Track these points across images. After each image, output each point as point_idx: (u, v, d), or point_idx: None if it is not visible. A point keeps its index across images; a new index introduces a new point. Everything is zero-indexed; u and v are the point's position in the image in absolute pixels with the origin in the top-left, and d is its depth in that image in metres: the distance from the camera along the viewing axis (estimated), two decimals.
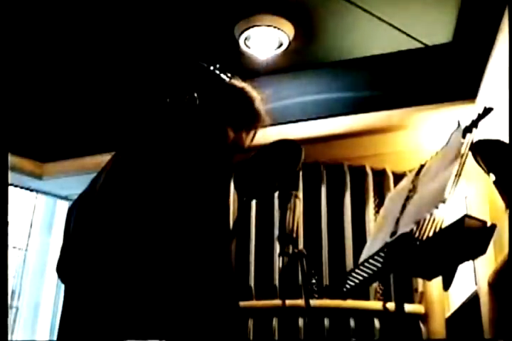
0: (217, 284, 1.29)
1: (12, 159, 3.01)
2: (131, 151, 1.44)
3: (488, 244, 1.28)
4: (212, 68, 1.54)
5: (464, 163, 1.33)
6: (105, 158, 1.49)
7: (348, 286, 1.62)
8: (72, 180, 3.30)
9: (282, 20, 2.74)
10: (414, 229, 1.34)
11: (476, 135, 1.39)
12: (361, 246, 1.71)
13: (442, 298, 2.74)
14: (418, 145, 2.79)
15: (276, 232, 1.68)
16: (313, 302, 1.63)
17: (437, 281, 1.69)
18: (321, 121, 2.92)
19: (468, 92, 2.59)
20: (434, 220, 1.30)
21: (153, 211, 1.29)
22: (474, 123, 1.40)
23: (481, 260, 2.18)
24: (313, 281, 2.76)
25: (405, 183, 1.68)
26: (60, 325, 1.36)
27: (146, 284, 1.23)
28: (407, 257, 1.37)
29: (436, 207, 1.27)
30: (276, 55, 2.94)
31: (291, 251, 1.57)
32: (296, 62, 3.02)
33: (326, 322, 2.68)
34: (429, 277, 1.46)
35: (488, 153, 1.70)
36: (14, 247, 3.53)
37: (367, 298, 2.71)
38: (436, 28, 2.73)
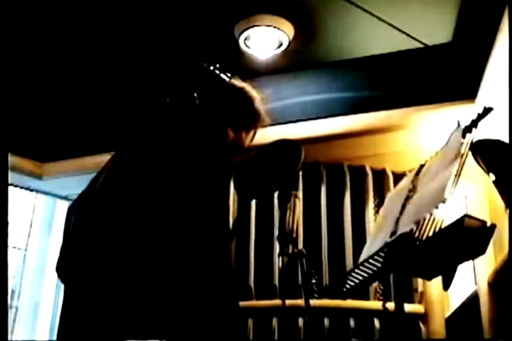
0: (217, 284, 1.29)
1: (12, 159, 3.01)
2: (131, 151, 1.44)
3: (487, 244, 1.28)
4: (212, 68, 1.54)
5: (463, 163, 1.33)
6: (105, 158, 1.49)
7: (347, 286, 1.62)
8: (72, 180, 3.30)
9: (282, 20, 2.74)
10: (414, 229, 1.34)
11: (476, 135, 1.39)
12: (361, 246, 1.71)
13: (442, 298, 2.74)
14: (418, 145, 2.79)
15: (276, 232, 1.68)
16: (313, 302, 1.63)
17: (437, 281, 1.69)
18: (321, 121, 2.92)
19: (468, 92, 2.60)
20: (433, 220, 1.30)
21: (153, 211, 1.29)
22: (474, 123, 1.40)
23: (480, 260, 2.18)
24: (313, 281, 2.76)
25: (405, 183, 1.68)
26: (60, 325, 1.36)
27: (146, 284, 1.23)
28: (406, 257, 1.37)
29: (436, 207, 1.27)
30: (276, 55, 2.94)
31: (290, 250, 1.57)
32: (296, 62, 3.02)
33: (326, 322, 2.68)
34: (428, 277, 1.46)
35: (488, 153, 1.70)
36: (14, 247, 3.53)
37: (367, 298, 2.71)
38: (436, 28, 2.73)
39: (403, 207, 1.51)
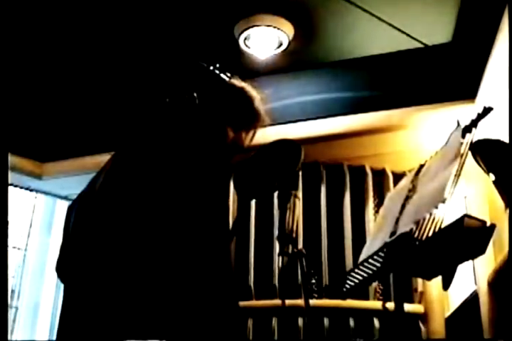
0: (217, 284, 1.29)
1: (12, 159, 3.01)
2: (131, 151, 1.44)
3: (487, 244, 1.28)
4: (211, 68, 1.54)
5: (463, 163, 1.33)
6: (105, 157, 1.49)
7: (347, 286, 1.62)
8: (72, 179, 3.30)
9: (282, 20, 2.74)
10: (414, 228, 1.34)
11: (475, 135, 1.39)
12: (361, 246, 1.71)
13: (442, 298, 2.74)
14: (418, 145, 2.79)
15: (276, 232, 1.68)
16: (312, 302, 1.63)
17: (437, 281, 1.69)
18: (321, 121, 2.92)
19: (468, 92, 2.60)
20: (433, 220, 1.30)
21: (153, 211, 1.29)
22: (474, 123, 1.40)
23: (480, 260, 2.18)
24: (313, 281, 2.76)
25: (405, 183, 1.68)
26: (60, 325, 1.36)
27: (146, 284, 1.23)
28: (406, 257, 1.37)
29: (436, 207, 1.27)
30: (275, 54, 2.94)
31: (290, 250, 1.57)
32: (295, 62, 3.02)
33: (326, 321, 2.68)
34: (428, 277, 1.46)
35: (487, 153, 1.70)
36: (14, 247, 3.53)
37: (366, 298, 2.72)
38: (436, 28, 2.73)
39: (403, 207, 1.51)
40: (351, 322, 2.67)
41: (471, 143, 1.38)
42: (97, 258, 1.28)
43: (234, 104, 1.52)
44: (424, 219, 1.32)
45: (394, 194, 1.77)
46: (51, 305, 3.54)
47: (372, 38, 2.83)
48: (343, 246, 2.84)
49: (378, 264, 1.46)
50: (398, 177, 2.83)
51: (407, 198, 1.53)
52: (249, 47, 2.88)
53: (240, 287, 2.79)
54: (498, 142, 1.75)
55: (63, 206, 3.65)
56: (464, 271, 2.33)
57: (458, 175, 1.30)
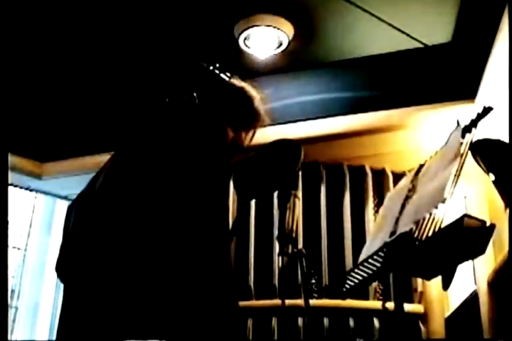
0: (217, 284, 1.29)
1: (12, 159, 3.01)
2: (131, 151, 1.44)
3: (487, 244, 1.28)
4: (211, 68, 1.54)
5: (463, 163, 1.33)
6: (105, 157, 1.49)
7: (347, 286, 1.62)
8: (72, 179, 3.30)
9: (282, 20, 2.74)
10: (414, 228, 1.34)
11: (475, 135, 1.39)
12: (360, 246, 1.71)
13: (442, 298, 2.74)
14: (417, 145, 2.79)
15: (276, 232, 1.68)
16: (312, 301, 1.63)
17: (437, 281, 1.69)
18: (321, 121, 2.92)
19: (468, 92, 2.60)
20: (433, 220, 1.30)
21: (153, 211, 1.29)
22: (474, 123, 1.40)
23: (480, 260, 2.18)
24: (313, 281, 2.76)
25: (405, 183, 1.68)
26: (59, 325, 1.36)
27: (146, 284, 1.23)
28: (406, 257, 1.37)
29: (436, 207, 1.27)
30: (275, 54, 2.94)
31: (290, 250, 1.57)
32: (295, 62, 3.02)
33: (326, 321, 2.68)
34: (428, 277, 1.46)
35: (487, 153, 1.70)
36: (14, 247, 3.52)
37: (366, 298, 2.72)
38: (435, 28, 2.73)
39: (403, 206, 1.51)
40: (351, 322, 2.67)
41: (471, 143, 1.38)
42: (97, 258, 1.28)
43: (234, 104, 1.52)
44: (424, 219, 1.32)
45: (394, 194, 1.77)
46: (51, 305, 3.54)
47: (372, 38, 2.83)
48: (343, 246, 2.84)
49: (378, 264, 1.46)
50: (398, 177, 2.83)
51: (407, 198, 1.53)
52: (249, 47, 2.88)
53: (240, 287, 2.79)
54: (498, 142, 1.75)
55: (63, 206, 3.65)
56: (464, 271, 2.33)
57: (458, 175, 1.30)
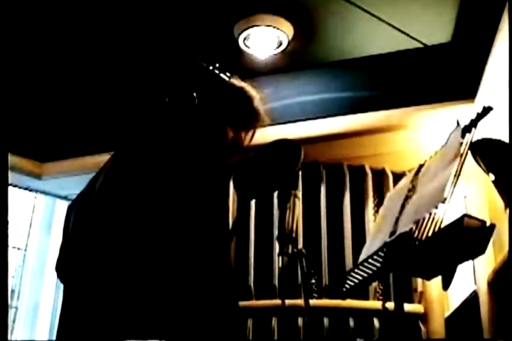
0: (217, 284, 1.29)
1: (11, 159, 3.00)
2: (130, 151, 1.44)
3: (487, 244, 1.28)
4: (211, 67, 1.54)
5: (463, 163, 1.33)
6: (104, 157, 1.49)
7: (347, 286, 1.62)
8: (72, 179, 3.30)
9: (282, 20, 2.74)
10: (414, 228, 1.34)
11: (475, 135, 1.39)
12: (360, 246, 1.71)
13: (442, 298, 2.74)
14: (417, 145, 2.79)
15: (276, 232, 1.68)
16: (312, 301, 1.63)
17: (437, 281, 1.69)
18: (321, 121, 2.92)
19: (468, 92, 2.60)
20: (433, 220, 1.30)
21: (153, 211, 1.29)
22: (473, 123, 1.40)
23: (480, 259, 2.18)
24: (313, 281, 2.75)
25: (404, 183, 1.68)
26: (59, 325, 1.36)
27: (146, 284, 1.23)
28: (406, 257, 1.37)
29: (436, 207, 1.27)
30: (275, 54, 2.94)
31: (290, 250, 1.57)
32: (295, 62, 3.02)
33: (326, 321, 2.68)
34: (428, 277, 1.46)
35: (487, 153, 1.70)
36: (13, 247, 3.53)
37: (366, 298, 2.72)
38: (435, 28, 2.73)
39: (403, 206, 1.51)
40: (351, 322, 2.68)
41: (471, 142, 1.38)
42: (97, 258, 1.28)
43: (233, 104, 1.52)
44: (423, 219, 1.32)
45: (393, 194, 1.77)
46: (51, 305, 3.54)
47: (372, 38, 2.83)
48: (343, 246, 2.84)
49: (378, 264, 1.46)
50: (398, 177, 2.83)
51: (407, 198, 1.53)
52: (248, 47, 2.88)
53: (240, 287, 2.79)
54: (497, 142, 1.75)
55: (63, 206, 3.65)
56: (464, 271, 2.33)
57: (457, 175, 1.30)
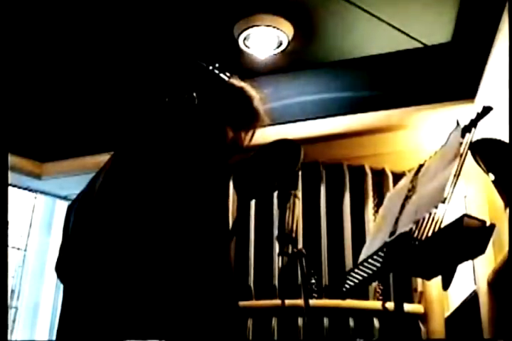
0: (217, 284, 1.29)
1: (11, 159, 3.01)
2: (130, 151, 1.44)
3: (487, 244, 1.28)
4: (211, 67, 1.54)
5: (462, 163, 1.33)
6: (104, 157, 1.49)
7: (347, 286, 1.62)
8: (72, 179, 3.30)
9: (282, 20, 2.74)
10: (414, 228, 1.34)
11: (475, 134, 1.39)
12: (360, 246, 1.71)
13: (441, 298, 2.74)
14: (417, 145, 2.79)
15: (276, 232, 1.68)
16: (312, 302, 1.63)
17: (436, 281, 1.69)
18: (321, 121, 2.92)
19: (468, 92, 2.60)
20: (433, 220, 1.30)
21: (153, 211, 1.29)
22: (473, 123, 1.40)
23: (480, 259, 2.18)
24: (313, 281, 2.76)
25: (404, 183, 1.68)
26: (59, 325, 1.36)
27: (146, 284, 1.23)
28: (406, 257, 1.37)
29: (436, 207, 1.27)
30: (275, 54, 2.94)
31: (290, 250, 1.57)
32: (295, 62, 3.02)
33: (326, 321, 2.68)
34: (428, 277, 1.46)
35: (487, 153, 1.70)
36: (13, 247, 3.52)
37: (366, 298, 2.72)
38: (435, 28, 2.73)
39: (402, 206, 1.51)
40: (351, 322, 2.68)
41: (471, 142, 1.38)
42: (97, 258, 1.28)
43: (233, 104, 1.52)
44: (423, 219, 1.32)
45: (393, 194, 1.77)
46: (51, 305, 3.54)
47: (371, 38, 2.83)
48: (343, 246, 2.84)
49: (378, 264, 1.47)
50: (398, 177, 2.83)
51: (407, 198, 1.53)
52: (248, 47, 2.88)
53: (240, 287, 2.79)
54: (497, 142, 1.75)
55: (63, 206, 3.65)
56: (464, 271, 2.33)
57: (457, 175, 1.30)
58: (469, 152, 1.41)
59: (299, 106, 2.99)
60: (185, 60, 1.60)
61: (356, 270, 1.56)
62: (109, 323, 1.22)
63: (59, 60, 3.06)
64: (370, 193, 2.98)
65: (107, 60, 3.07)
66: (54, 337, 1.36)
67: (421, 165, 1.62)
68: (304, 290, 1.61)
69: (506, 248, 1.85)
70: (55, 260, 1.39)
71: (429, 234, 1.30)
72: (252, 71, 2.92)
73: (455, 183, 1.29)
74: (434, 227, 1.29)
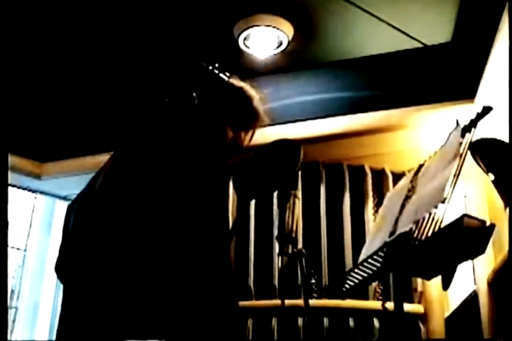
0: (217, 284, 1.29)
1: (11, 159, 3.01)
2: (130, 151, 1.44)
3: (487, 244, 1.28)
4: (211, 67, 1.54)
5: (462, 163, 1.33)
6: (104, 157, 1.49)
7: (347, 286, 1.62)
8: (72, 180, 3.30)
9: (281, 20, 2.74)
10: (413, 228, 1.34)
11: (475, 134, 1.39)
12: (360, 246, 1.71)
13: (441, 298, 2.74)
14: (417, 145, 2.79)
15: (276, 232, 1.68)
16: (312, 302, 1.63)
17: (436, 281, 1.69)
18: (320, 121, 2.92)
19: (467, 92, 2.60)
20: (433, 220, 1.30)
21: (152, 211, 1.29)
22: (473, 123, 1.40)
23: (480, 259, 2.18)
24: (313, 281, 2.76)
25: (404, 183, 1.68)
26: (59, 325, 1.36)
27: (146, 284, 1.23)
28: (406, 257, 1.37)
29: (435, 207, 1.27)
30: (275, 54, 2.94)
31: (290, 250, 1.57)
32: (295, 62, 3.02)
33: (326, 321, 2.68)
34: (428, 277, 1.46)
35: (487, 153, 1.70)
36: (13, 247, 3.52)
37: (366, 298, 2.72)
38: (435, 28, 2.73)
39: (402, 206, 1.51)
40: (351, 322, 2.67)
41: (471, 142, 1.38)
42: (97, 258, 1.28)
43: (233, 104, 1.52)
44: (423, 219, 1.32)
45: (393, 194, 1.77)
46: (51, 305, 3.54)
47: (371, 38, 2.83)
48: (343, 246, 2.84)
49: (378, 264, 1.47)
50: (398, 177, 2.83)
51: (407, 198, 1.53)
52: (248, 47, 2.88)
53: (240, 287, 2.79)
54: (497, 142, 1.75)
55: (63, 206, 3.65)
56: (464, 270, 2.33)
57: (457, 175, 1.30)
58: (469, 152, 1.41)
59: (298, 106, 2.99)
60: (185, 60, 1.60)
61: (356, 270, 1.56)
62: (109, 323, 1.22)
63: (59, 60, 3.06)
64: (370, 193, 2.98)
65: (106, 60, 3.07)
66: (54, 337, 1.36)
67: (421, 165, 1.62)
68: (304, 290, 1.61)
69: (506, 248, 1.85)
70: (55, 260, 1.39)
71: (429, 234, 1.30)
72: (251, 71, 2.92)
73: (455, 183, 1.29)
74: (434, 227, 1.29)
